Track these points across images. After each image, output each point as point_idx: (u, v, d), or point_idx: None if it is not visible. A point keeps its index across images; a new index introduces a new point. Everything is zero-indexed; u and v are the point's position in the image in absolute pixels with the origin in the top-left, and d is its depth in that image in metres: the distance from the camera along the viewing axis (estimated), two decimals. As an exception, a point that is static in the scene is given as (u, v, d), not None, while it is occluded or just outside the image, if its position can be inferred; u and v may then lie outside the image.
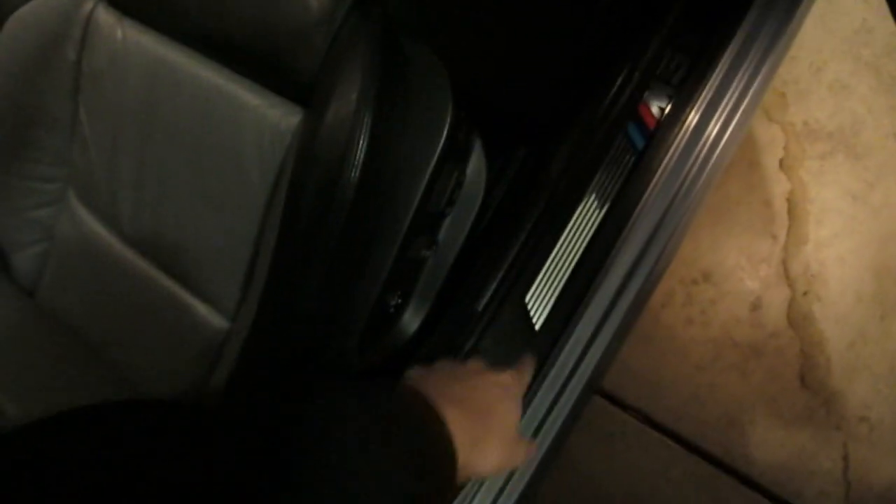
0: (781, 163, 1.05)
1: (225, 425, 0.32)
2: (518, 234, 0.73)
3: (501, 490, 0.73)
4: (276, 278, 0.62)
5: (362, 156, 0.55)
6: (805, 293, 1.01)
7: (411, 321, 0.67)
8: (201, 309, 0.71)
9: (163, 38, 0.69)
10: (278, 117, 0.63)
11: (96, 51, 0.71)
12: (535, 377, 0.73)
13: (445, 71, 0.61)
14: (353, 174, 0.54)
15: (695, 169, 0.82)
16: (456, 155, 0.64)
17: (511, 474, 0.75)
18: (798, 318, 1.02)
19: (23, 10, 0.73)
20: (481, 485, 0.69)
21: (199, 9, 0.65)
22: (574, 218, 0.75)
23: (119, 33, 0.70)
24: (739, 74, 0.78)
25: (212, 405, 0.35)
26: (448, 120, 0.61)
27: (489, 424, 0.44)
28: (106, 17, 0.70)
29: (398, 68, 0.60)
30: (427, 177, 0.61)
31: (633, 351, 1.06)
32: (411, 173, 0.60)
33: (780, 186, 1.04)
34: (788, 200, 1.04)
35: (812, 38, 1.04)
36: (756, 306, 1.03)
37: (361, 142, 0.54)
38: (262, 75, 0.65)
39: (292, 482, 0.29)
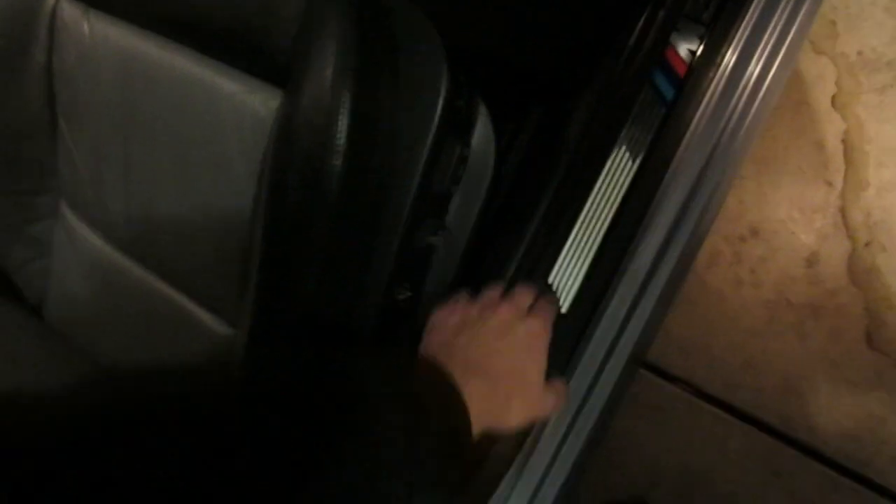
0: (834, 100, 0.94)
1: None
2: (537, 206, 0.66)
3: (548, 470, 0.69)
4: (268, 283, 0.56)
5: (344, 139, 0.48)
6: (867, 244, 0.91)
7: (425, 313, 0.61)
8: (204, 316, 0.67)
9: (132, 27, 0.63)
10: (258, 103, 0.57)
11: (65, 50, 0.66)
12: (570, 357, 0.68)
13: (436, 32, 0.54)
14: (336, 162, 0.48)
15: (735, 116, 0.74)
16: (457, 126, 0.57)
17: (556, 455, 0.71)
18: (861, 273, 0.92)
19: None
20: (526, 463, 0.65)
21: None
22: (599, 183, 0.68)
23: (85, 28, 0.64)
24: (782, 2, 0.68)
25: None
26: (444, 87, 0.54)
27: (511, 389, 0.44)
28: (71, 12, 0.65)
29: (380, 33, 0.53)
30: (426, 154, 0.54)
31: (679, 318, 0.98)
32: (406, 152, 0.54)
33: (833, 127, 0.94)
34: (844, 142, 0.93)
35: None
36: (812, 262, 0.93)
37: (342, 123, 0.48)
38: (239, 58, 0.59)
39: (325, 471, 0.29)
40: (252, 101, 0.57)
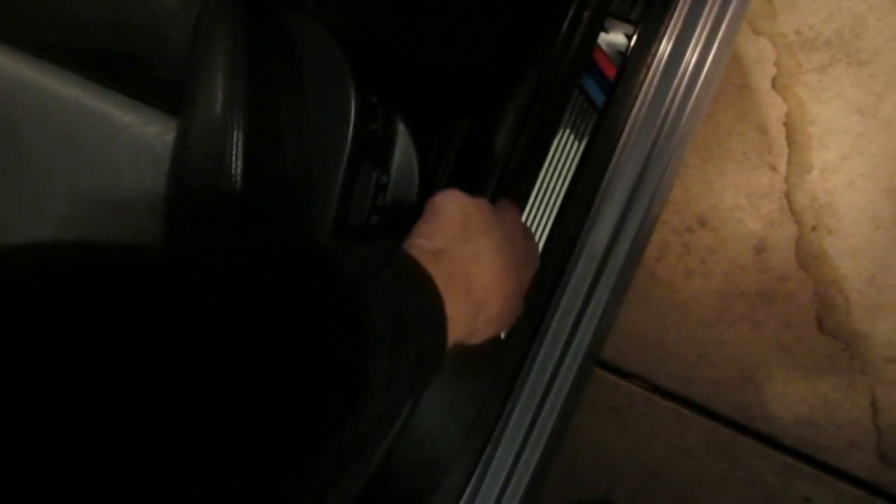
0: (774, 81, 0.92)
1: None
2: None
3: (509, 475, 0.67)
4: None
5: (240, 168, 0.44)
6: (814, 228, 0.90)
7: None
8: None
9: (15, 53, 0.58)
10: (154, 135, 0.52)
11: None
12: (524, 361, 0.66)
13: (340, 49, 0.49)
14: (230, 194, 0.44)
15: (674, 106, 0.72)
16: (373, 150, 0.53)
17: (518, 459, 0.70)
18: (808, 257, 0.91)
19: None
20: (486, 471, 0.63)
21: (43, 16, 0.54)
22: (535, 192, 0.65)
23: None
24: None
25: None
26: (353, 109, 0.50)
27: (491, 317, 0.41)
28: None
29: (276, 51, 0.48)
30: (339, 185, 0.50)
31: (631, 313, 0.96)
32: (316, 183, 0.49)
33: (775, 109, 0.92)
34: (786, 124, 0.92)
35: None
36: (761, 249, 0.92)
37: (236, 151, 0.44)
38: (132, 86, 0.54)
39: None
40: (148, 134, 0.52)
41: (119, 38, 0.51)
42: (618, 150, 0.68)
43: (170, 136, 0.51)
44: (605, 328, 0.75)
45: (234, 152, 0.44)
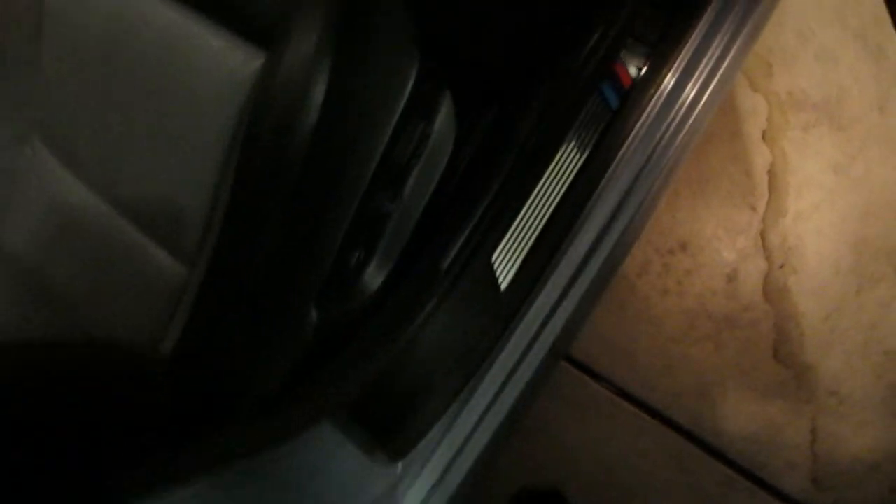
0: (764, 133, 1.03)
1: None
2: (487, 193, 0.71)
3: (460, 450, 0.73)
4: (231, 228, 0.59)
5: (320, 99, 0.52)
6: (782, 266, 1.00)
7: (374, 277, 0.65)
8: (160, 255, 0.69)
9: None
10: (239, 62, 0.60)
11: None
12: (499, 338, 0.72)
13: (412, 23, 0.59)
14: (309, 119, 0.52)
15: (669, 133, 0.81)
16: (423, 107, 0.61)
17: (469, 437, 0.74)
18: (773, 291, 1.01)
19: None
20: (439, 444, 0.69)
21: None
22: (545, 178, 0.73)
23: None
24: (718, 37, 0.76)
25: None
26: (414, 70, 0.59)
27: None
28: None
29: (363, 12, 0.57)
30: (392, 126, 0.58)
31: (608, 320, 1.05)
32: (375, 121, 0.58)
33: (761, 157, 1.03)
34: (769, 172, 1.02)
35: (799, 5, 1.02)
36: (732, 278, 1.02)
37: (319, 86, 0.52)
38: (226, 16, 0.62)
39: None
40: (234, 59, 0.60)
41: None
42: (616, 158, 0.77)
43: (255, 63, 0.59)
44: (575, 326, 0.82)
45: (319, 81, 0.52)
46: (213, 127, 0.63)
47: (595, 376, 1.04)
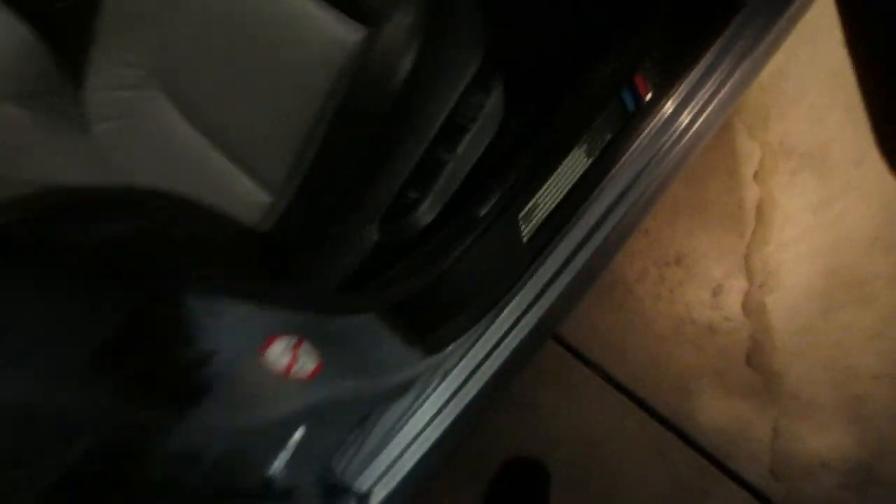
0: (756, 174, 1.20)
1: None
2: (520, 164, 0.88)
3: (443, 407, 0.85)
4: (323, 157, 0.76)
5: (409, 67, 0.70)
6: (761, 286, 1.15)
7: (425, 214, 0.81)
8: (248, 185, 0.86)
9: None
10: (342, 33, 0.79)
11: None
12: (518, 279, 0.87)
13: (480, 19, 0.77)
14: (398, 79, 0.70)
15: (664, 148, 0.98)
16: (481, 85, 0.79)
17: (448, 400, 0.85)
18: (752, 307, 1.15)
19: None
20: (425, 400, 0.81)
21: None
22: (566, 161, 0.90)
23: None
24: (714, 76, 0.94)
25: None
26: (479, 57, 0.77)
27: None
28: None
29: (446, 8, 0.76)
30: (457, 94, 0.76)
31: (606, 317, 1.19)
32: (445, 88, 0.75)
33: (752, 193, 1.19)
34: (758, 206, 1.19)
35: (798, 70, 1.21)
36: (717, 292, 1.17)
37: (410, 55, 0.70)
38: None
39: None
40: (338, 30, 0.79)
41: None
42: (617, 165, 0.93)
43: (355, 35, 0.78)
44: (564, 304, 0.95)
45: (409, 54, 0.70)
46: (315, 84, 0.80)
47: (587, 362, 1.18)
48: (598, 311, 1.18)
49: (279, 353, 0.52)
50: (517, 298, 0.86)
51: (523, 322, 0.88)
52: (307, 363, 0.55)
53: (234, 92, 0.87)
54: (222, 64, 0.88)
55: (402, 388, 0.75)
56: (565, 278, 0.90)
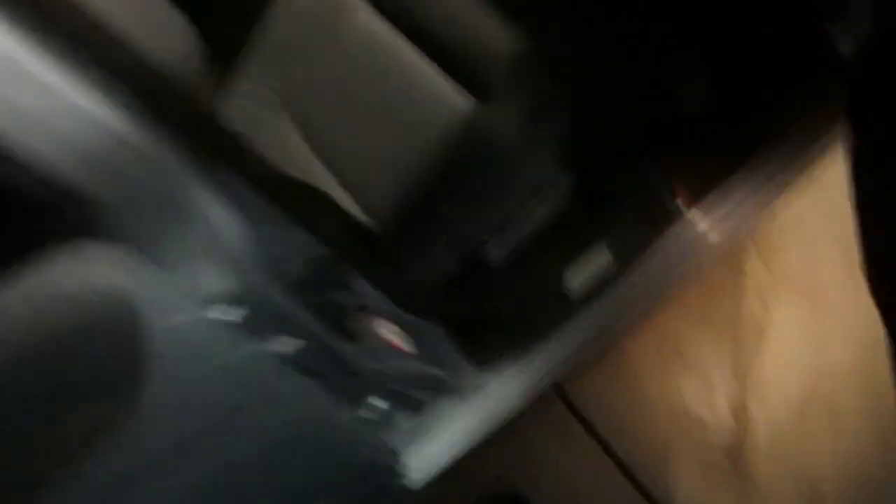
0: (759, 293, 1.37)
1: None
2: (571, 236, 1.06)
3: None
4: (423, 191, 0.95)
5: (507, 138, 0.90)
6: (750, 393, 1.31)
7: (495, 253, 0.99)
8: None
9: (389, 25, 1.04)
10: (457, 99, 0.98)
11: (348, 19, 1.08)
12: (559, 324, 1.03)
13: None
14: (497, 145, 0.89)
15: (688, 250, 1.14)
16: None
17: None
18: (738, 410, 1.30)
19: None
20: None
21: (436, 18, 1.02)
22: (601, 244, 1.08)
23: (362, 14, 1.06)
24: (744, 193, 1.12)
25: None
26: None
27: None
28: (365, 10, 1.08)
29: (540, 105, 0.96)
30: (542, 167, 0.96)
31: (606, 380, 1.34)
32: (534, 162, 0.95)
33: (754, 309, 1.36)
34: (757, 322, 1.35)
35: (812, 202, 1.39)
36: (710, 390, 1.32)
37: (508, 131, 0.90)
38: (452, 67, 0.99)
39: None
40: (452, 96, 0.99)
41: (457, 39, 0.98)
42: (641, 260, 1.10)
43: (465, 102, 0.97)
44: (569, 357, 1.10)
45: (507, 130, 0.90)
46: (424, 134, 1.00)
47: (577, 415, 1.32)
48: (600, 373, 1.33)
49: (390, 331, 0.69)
50: (552, 343, 1.03)
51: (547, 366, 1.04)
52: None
53: (353, 126, 1.07)
54: (348, 103, 1.08)
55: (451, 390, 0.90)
56: (589, 336, 1.06)
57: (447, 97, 0.99)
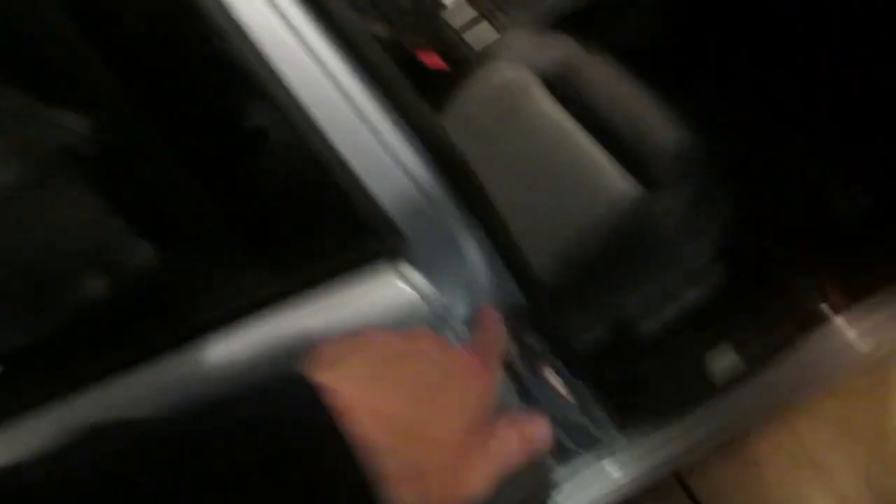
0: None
1: None
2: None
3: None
4: (580, 262, 1.05)
5: (671, 227, 0.99)
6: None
7: (647, 326, 1.06)
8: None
9: (560, 108, 1.16)
10: (626, 187, 1.08)
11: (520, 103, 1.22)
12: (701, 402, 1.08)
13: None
14: (663, 234, 0.98)
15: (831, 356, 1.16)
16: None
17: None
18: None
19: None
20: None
21: (615, 115, 1.14)
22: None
23: (538, 97, 1.19)
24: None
25: None
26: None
27: (432, 438, 0.33)
28: (542, 95, 1.22)
29: (706, 206, 1.05)
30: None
31: (727, 469, 1.33)
32: (692, 252, 1.03)
33: (894, 424, 1.34)
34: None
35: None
36: (842, 500, 1.30)
37: (672, 220, 0.99)
38: (623, 155, 1.11)
39: None
40: (622, 184, 1.09)
41: (626, 130, 1.09)
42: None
43: (629, 187, 1.07)
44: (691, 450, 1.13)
45: (670, 220, 0.98)
46: (591, 212, 1.10)
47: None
48: (726, 470, 1.33)
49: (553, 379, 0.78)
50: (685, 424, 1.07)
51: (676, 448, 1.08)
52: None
53: (524, 197, 1.19)
54: (522, 176, 1.20)
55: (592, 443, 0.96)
56: (721, 426, 1.10)
57: (616, 181, 1.09)
